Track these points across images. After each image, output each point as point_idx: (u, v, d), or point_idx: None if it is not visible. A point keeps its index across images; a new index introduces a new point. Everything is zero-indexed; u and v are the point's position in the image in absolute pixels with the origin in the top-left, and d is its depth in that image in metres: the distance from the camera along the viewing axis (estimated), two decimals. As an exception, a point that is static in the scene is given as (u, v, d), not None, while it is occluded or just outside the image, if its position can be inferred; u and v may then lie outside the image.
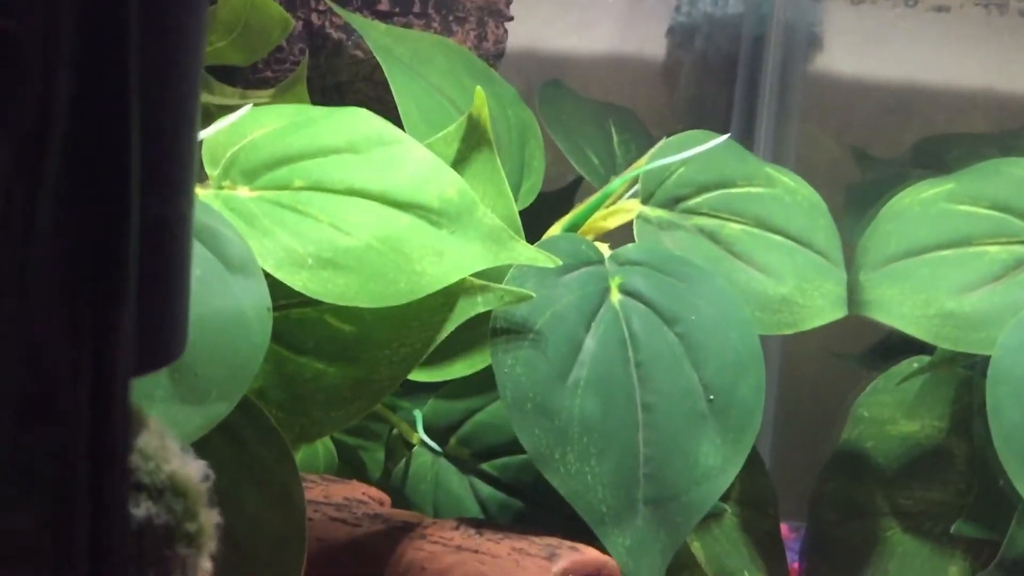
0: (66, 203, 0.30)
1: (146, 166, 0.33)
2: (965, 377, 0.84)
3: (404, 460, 0.80)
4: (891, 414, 0.86)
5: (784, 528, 0.89)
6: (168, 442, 0.40)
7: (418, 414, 0.80)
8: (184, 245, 0.37)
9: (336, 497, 0.75)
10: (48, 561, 0.30)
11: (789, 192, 0.84)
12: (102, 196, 0.31)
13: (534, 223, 0.81)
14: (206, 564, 0.40)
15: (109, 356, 0.31)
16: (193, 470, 0.41)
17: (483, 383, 0.76)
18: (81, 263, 0.30)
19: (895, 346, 0.91)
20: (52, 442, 0.30)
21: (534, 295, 0.69)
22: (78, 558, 0.30)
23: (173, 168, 0.35)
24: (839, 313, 0.81)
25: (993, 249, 0.79)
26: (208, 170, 0.66)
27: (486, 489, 0.78)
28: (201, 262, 0.57)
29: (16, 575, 0.30)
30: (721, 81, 1.15)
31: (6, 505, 0.32)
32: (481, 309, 0.68)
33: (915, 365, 0.85)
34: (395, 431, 0.83)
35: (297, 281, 0.63)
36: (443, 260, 0.66)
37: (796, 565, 0.91)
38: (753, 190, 0.83)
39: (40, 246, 0.30)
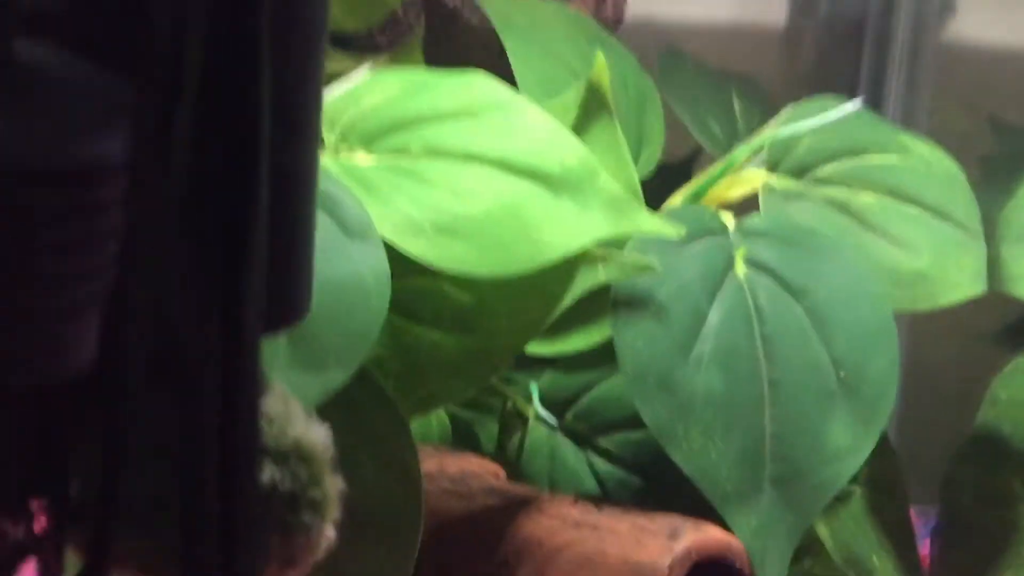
0: (198, 157, 0.29)
1: (275, 119, 0.31)
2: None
3: (519, 434, 0.79)
4: (1030, 396, 0.82)
5: (912, 512, 0.86)
6: (292, 406, 0.39)
7: (534, 387, 0.78)
8: (310, 202, 0.36)
9: (451, 469, 0.74)
10: (180, 522, 0.29)
11: (925, 162, 0.80)
12: (234, 150, 0.30)
13: (652, 196, 0.79)
14: (330, 532, 0.39)
15: (240, 313, 0.30)
16: (318, 435, 0.39)
17: (601, 356, 0.75)
18: (213, 218, 0.29)
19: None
20: (184, 402, 0.29)
21: (658, 267, 0.67)
22: (209, 520, 0.29)
23: (301, 121, 0.34)
24: (978, 288, 0.77)
25: None
26: (325, 135, 0.65)
27: (603, 465, 0.77)
28: (319, 227, 0.56)
29: (149, 534, 0.29)
30: (847, 48, 1.10)
31: (139, 466, 0.31)
32: (602, 279, 0.66)
33: (1057, 345, 0.80)
34: (510, 404, 0.81)
35: (415, 248, 0.61)
36: (563, 229, 0.64)
37: (924, 551, 0.87)
38: (886, 159, 0.80)
39: (173, 201, 0.29)
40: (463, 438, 0.83)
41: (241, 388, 0.31)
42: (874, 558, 0.76)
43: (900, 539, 0.78)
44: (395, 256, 0.62)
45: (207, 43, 0.29)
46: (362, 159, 0.65)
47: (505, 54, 0.79)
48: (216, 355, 0.31)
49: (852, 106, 0.79)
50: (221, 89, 0.29)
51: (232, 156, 0.30)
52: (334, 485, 0.40)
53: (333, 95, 0.66)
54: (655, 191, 0.81)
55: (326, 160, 0.64)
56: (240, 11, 0.29)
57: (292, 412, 0.39)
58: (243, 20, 0.29)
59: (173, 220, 0.30)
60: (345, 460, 0.63)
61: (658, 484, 0.74)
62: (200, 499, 0.29)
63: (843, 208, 0.78)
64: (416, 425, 0.80)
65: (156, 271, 0.30)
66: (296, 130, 0.34)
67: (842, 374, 0.70)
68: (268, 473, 0.37)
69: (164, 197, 0.29)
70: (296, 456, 0.38)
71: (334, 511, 0.39)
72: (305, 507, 0.38)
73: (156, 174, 0.29)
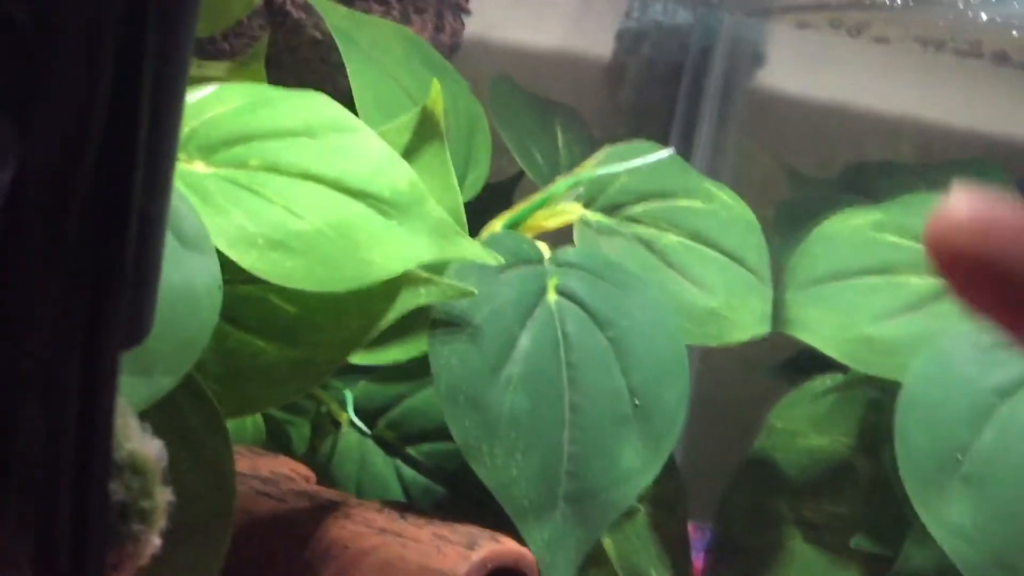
0: (82, 197, 0.31)
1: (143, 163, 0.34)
2: (875, 399, 0.88)
3: (331, 438, 0.82)
4: (802, 427, 0.90)
5: (690, 527, 0.93)
6: (130, 420, 0.42)
7: (348, 394, 0.81)
8: (162, 234, 0.39)
9: (263, 471, 0.76)
10: (34, 533, 0.31)
11: (726, 208, 0.87)
12: (113, 192, 0.33)
13: (475, 213, 0.82)
14: (156, 540, 0.42)
15: (104, 335, 0.33)
16: (151, 449, 0.42)
17: (415, 369, 0.78)
18: (86, 250, 0.32)
19: (811, 361, 0.94)
20: (44, 416, 0.31)
21: (476, 292, 0.71)
22: (62, 531, 0.31)
23: (162, 165, 0.37)
24: (764, 329, 0.84)
25: (914, 280, 0.83)
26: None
27: (410, 473, 0.80)
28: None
29: (2, 545, 0.31)
30: (665, 88, 1.17)
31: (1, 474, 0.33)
32: (424, 302, 0.70)
33: (828, 383, 0.88)
34: (324, 409, 0.84)
35: (246, 260, 0.64)
36: (390, 250, 0.68)
37: (698, 564, 0.94)
38: (692, 204, 0.86)
39: (54, 233, 0.31)
40: (276, 439, 0.85)
41: (100, 408, 0.34)
42: (652, 571, 0.82)
43: (677, 554, 0.85)
44: (225, 262, 0.63)
45: (96, 94, 0.31)
46: (201, 169, 0.66)
47: (344, 68, 0.82)
48: (78, 375, 0.34)
49: (665, 152, 0.85)
50: (107, 140, 0.32)
51: (110, 199, 0.33)
52: (163, 496, 0.42)
53: (175, 103, 0.67)
54: (478, 208, 0.85)
55: (164, 167, 0.65)
56: (126, 72, 0.32)
57: (129, 426, 0.42)
58: (129, 80, 0.32)
59: (47, 250, 0.32)
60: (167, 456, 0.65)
61: (461, 495, 0.78)
62: (55, 512, 0.31)
63: (650, 246, 0.84)
64: (231, 425, 0.82)
65: (28, 293, 0.32)
66: (158, 169, 0.37)
67: (637, 402, 0.75)
68: (103, 484, 0.39)
69: (41, 229, 0.32)
70: (129, 468, 0.41)
71: (161, 521, 0.42)
72: (134, 517, 0.40)
73: (36, 213, 0.31)
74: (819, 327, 0.82)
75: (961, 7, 0.86)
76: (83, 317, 0.33)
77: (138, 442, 0.41)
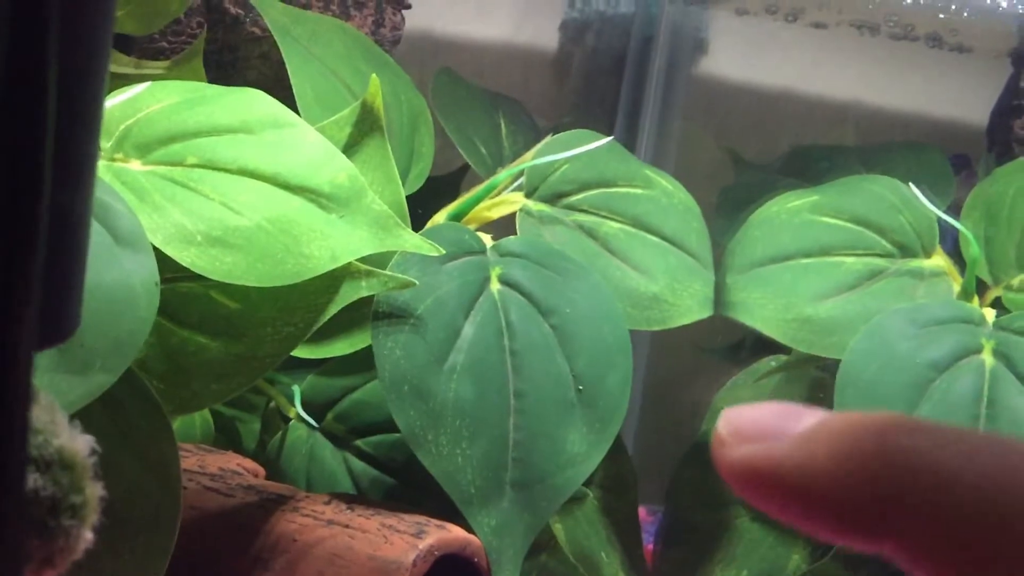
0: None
1: (55, 155, 0.34)
2: (818, 378, 0.89)
3: (280, 433, 0.82)
4: (748, 409, 0.91)
5: (642, 511, 0.94)
6: (57, 416, 0.42)
7: (296, 389, 0.82)
8: (85, 230, 0.39)
9: (211, 467, 0.76)
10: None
11: (666, 194, 0.88)
12: (14, 184, 0.33)
13: (421, 206, 0.83)
14: (88, 535, 0.42)
15: (13, 333, 0.33)
16: (81, 444, 0.42)
17: (362, 362, 0.79)
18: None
19: (757, 343, 0.96)
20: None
21: (417, 283, 0.71)
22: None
23: (80, 158, 0.37)
24: (706, 313, 0.85)
25: (850, 260, 0.84)
26: (101, 142, 0.67)
27: (359, 465, 0.81)
28: (91, 234, 0.58)
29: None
30: (609, 77, 1.18)
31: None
32: (365, 293, 0.70)
33: (772, 364, 0.90)
34: (272, 404, 0.84)
35: (185, 257, 0.64)
36: (330, 244, 0.68)
37: (651, 547, 0.95)
38: (632, 191, 0.87)
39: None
40: (225, 435, 0.86)
41: (11, 408, 0.34)
42: (602, 554, 0.83)
43: (627, 537, 0.86)
44: (164, 260, 0.64)
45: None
46: (137, 167, 0.67)
47: (284, 64, 0.82)
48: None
49: (604, 140, 0.85)
50: (2, 126, 0.32)
51: (12, 191, 0.33)
52: (94, 491, 0.43)
53: (112, 103, 0.68)
54: (425, 202, 0.86)
55: (101, 166, 0.65)
56: (27, 59, 0.32)
57: (57, 422, 0.42)
58: (30, 66, 0.32)
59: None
60: (106, 457, 0.65)
61: (409, 484, 0.79)
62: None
63: (591, 233, 0.85)
64: (180, 422, 0.82)
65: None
66: (76, 162, 0.37)
67: (580, 387, 0.76)
68: (31, 480, 0.39)
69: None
70: (58, 464, 0.41)
71: (93, 515, 0.42)
72: (65, 512, 0.41)
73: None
74: (760, 309, 0.83)
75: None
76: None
77: (67, 438, 0.41)
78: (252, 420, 0.86)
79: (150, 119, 0.68)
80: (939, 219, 0.85)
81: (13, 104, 0.33)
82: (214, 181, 0.67)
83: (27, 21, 0.32)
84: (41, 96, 0.33)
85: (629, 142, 1.15)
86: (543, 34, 1.19)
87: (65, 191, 0.37)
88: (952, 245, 0.88)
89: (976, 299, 0.84)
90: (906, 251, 0.85)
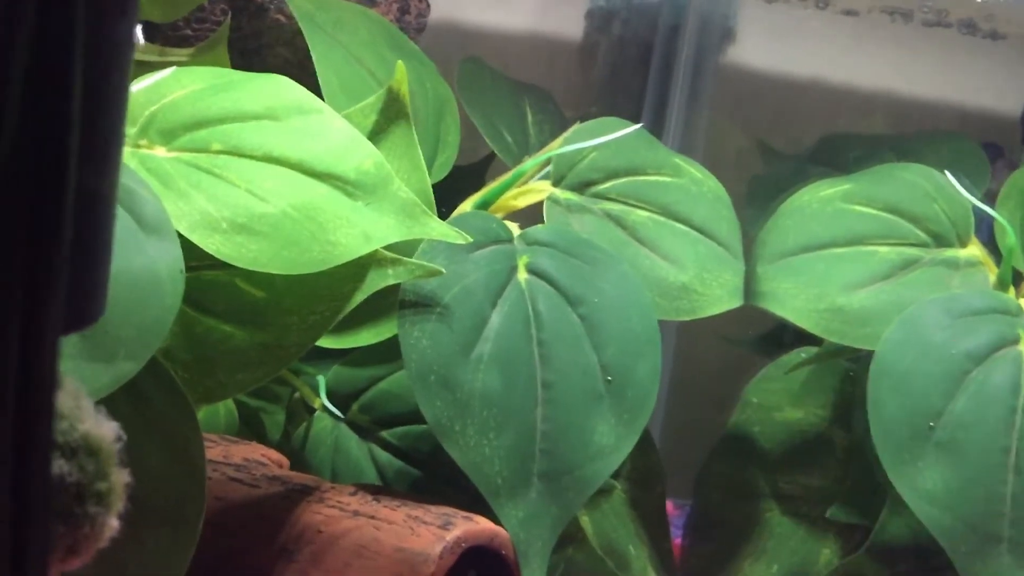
0: (6, 174, 0.31)
1: (81, 140, 0.34)
2: (849, 369, 0.88)
3: (305, 424, 0.81)
4: (778, 401, 0.90)
5: (670, 505, 0.93)
6: (83, 402, 0.41)
7: (321, 379, 0.81)
8: (111, 215, 0.38)
9: (236, 458, 0.76)
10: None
11: (695, 183, 0.87)
12: (40, 168, 0.32)
13: (446, 195, 0.82)
14: (113, 522, 0.41)
15: (39, 317, 0.32)
16: (106, 431, 0.42)
17: (387, 352, 0.78)
18: (19, 230, 0.31)
19: (786, 335, 0.95)
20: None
21: (443, 271, 0.70)
22: (1, 514, 0.31)
23: (105, 143, 0.36)
24: (735, 303, 0.84)
25: (883, 249, 0.83)
26: (126, 128, 0.66)
27: (384, 456, 0.80)
28: (116, 220, 0.57)
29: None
30: (636, 66, 1.17)
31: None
32: (391, 281, 0.70)
33: (803, 355, 0.89)
34: (297, 395, 0.84)
35: (211, 244, 0.63)
36: (356, 231, 0.67)
37: (679, 540, 0.94)
38: (661, 179, 0.86)
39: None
40: (250, 426, 0.85)
41: (38, 392, 0.33)
42: (630, 548, 0.82)
43: (655, 530, 0.85)
44: (189, 248, 0.63)
45: (22, 64, 0.31)
46: (162, 153, 0.66)
47: (309, 51, 0.81)
48: (16, 356, 0.33)
49: (633, 128, 0.84)
50: (31, 112, 0.31)
51: (39, 173, 0.33)
52: (120, 478, 0.42)
53: (136, 89, 0.67)
54: (450, 191, 0.85)
55: (125, 154, 0.65)
56: (53, 44, 0.31)
57: (82, 408, 0.41)
58: (56, 52, 0.32)
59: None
60: (131, 446, 0.65)
61: (435, 476, 0.78)
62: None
63: (619, 222, 0.84)
64: (204, 412, 0.81)
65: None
66: (102, 147, 0.36)
67: (609, 378, 0.75)
68: (56, 467, 0.39)
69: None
70: (84, 450, 0.40)
71: (119, 503, 0.41)
72: (91, 499, 0.40)
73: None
74: (790, 299, 0.82)
75: (921, -27, 0.86)
76: (18, 300, 0.32)
77: (92, 424, 0.41)
78: (277, 411, 0.86)
79: (175, 105, 0.67)
80: (974, 208, 0.83)
81: (39, 90, 0.32)
82: (239, 168, 0.66)
83: (53, 8, 0.31)
84: (67, 82, 0.32)
85: (656, 131, 1.13)
86: (569, 23, 1.18)
87: (91, 176, 0.36)
88: (987, 234, 0.86)
89: (1012, 289, 0.82)
90: (941, 240, 0.83)
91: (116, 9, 0.34)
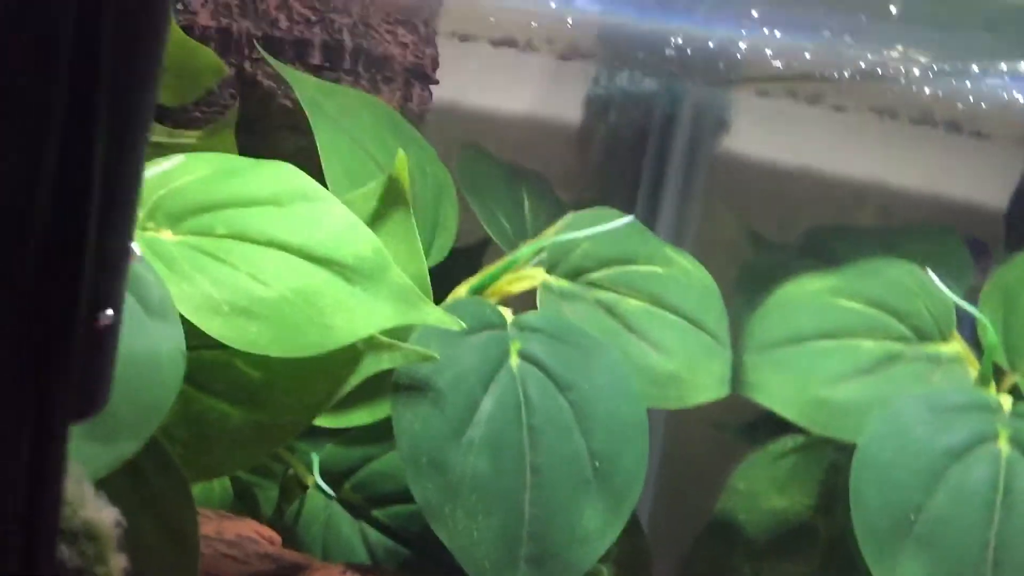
0: (28, 267, 0.33)
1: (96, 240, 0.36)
2: (834, 460, 0.89)
3: (298, 501, 0.83)
4: (764, 489, 0.91)
5: (656, 589, 0.93)
6: (84, 488, 0.43)
7: (315, 457, 0.82)
8: (121, 310, 0.40)
9: (229, 534, 0.77)
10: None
11: (685, 274, 0.89)
12: (61, 266, 0.34)
13: (443, 276, 0.84)
14: (111, 605, 0.43)
15: (52, 405, 0.34)
16: (106, 516, 0.43)
17: (381, 432, 0.79)
18: (39, 326, 0.33)
19: (773, 423, 0.96)
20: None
21: (438, 357, 0.72)
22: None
23: (117, 235, 0.38)
24: (723, 392, 0.85)
25: (868, 344, 0.85)
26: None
27: (375, 535, 0.81)
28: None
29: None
30: (631, 153, 1.20)
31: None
32: (386, 366, 0.71)
33: (789, 444, 0.90)
34: (291, 471, 0.85)
35: (212, 327, 0.65)
36: (353, 316, 0.69)
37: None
38: (652, 269, 0.88)
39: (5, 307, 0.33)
40: (244, 500, 0.86)
41: (48, 479, 0.35)
42: (615, 632, 0.83)
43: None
44: (190, 327, 0.65)
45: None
46: (168, 236, 0.68)
47: (313, 136, 0.84)
48: (28, 445, 0.35)
49: (625, 219, 0.87)
50: (55, 210, 0.33)
51: (59, 271, 0.35)
52: (118, 563, 0.43)
53: (147, 174, 0.69)
54: (447, 273, 0.87)
55: (132, 236, 0.67)
56: (80, 130, 0.33)
57: (84, 493, 0.43)
58: (82, 144, 0.34)
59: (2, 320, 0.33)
60: (127, 521, 0.66)
61: (424, 556, 0.79)
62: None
63: (611, 311, 0.86)
64: (198, 488, 0.82)
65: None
66: (114, 262, 0.38)
67: (597, 464, 0.76)
68: (58, 551, 0.40)
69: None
70: (84, 536, 0.42)
71: (117, 586, 0.43)
72: (90, 583, 0.42)
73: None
74: (777, 390, 0.83)
75: (904, 83, 0.89)
76: (31, 388, 0.34)
77: (93, 510, 0.42)
78: (270, 486, 0.87)
79: (182, 189, 0.69)
80: (956, 304, 0.86)
81: (58, 203, 0.34)
82: (243, 252, 0.68)
83: (78, 104, 0.33)
84: (90, 187, 0.34)
85: (650, 217, 1.16)
86: (567, 109, 1.21)
87: (103, 280, 0.38)
88: (970, 330, 0.88)
89: (993, 385, 0.84)
90: (923, 336, 0.85)
91: (137, 96, 0.36)
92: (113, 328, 0.39)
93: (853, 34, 0.77)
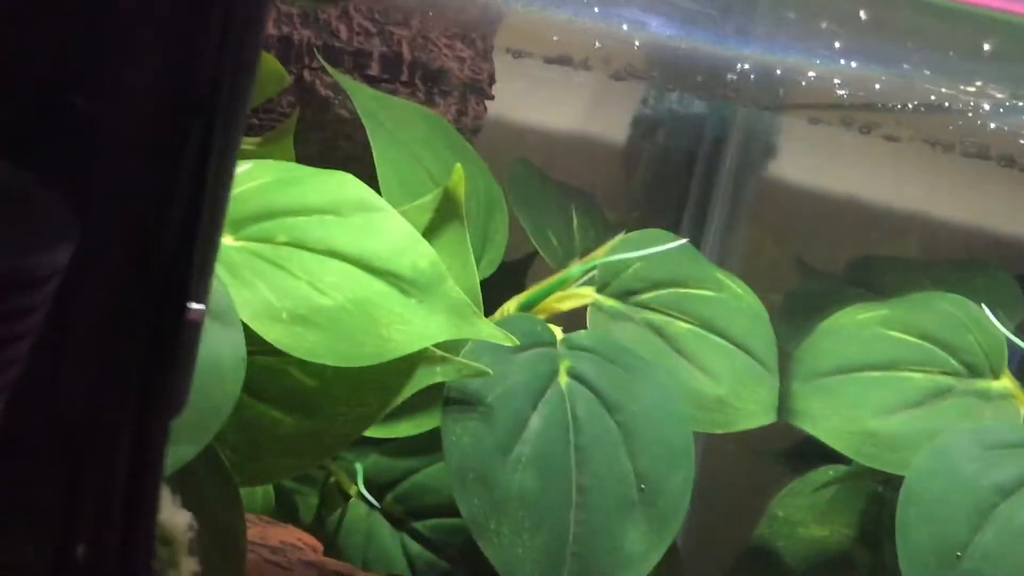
0: (137, 274, 0.33)
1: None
2: (876, 491, 0.89)
3: (340, 510, 0.83)
4: (804, 517, 0.91)
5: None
6: (161, 491, 0.43)
7: (359, 467, 0.82)
8: (203, 323, 0.41)
9: (272, 540, 0.77)
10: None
11: (735, 298, 0.89)
12: (175, 262, 0.35)
13: (489, 290, 0.84)
14: (179, 609, 0.43)
15: (158, 405, 0.35)
16: (180, 520, 0.43)
17: (426, 445, 0.79)
18: (147, 338, 0.34)
19: (814, 450, 0.96)
20: (98, 478, 0.33)
21: (491, 372, 0.72)
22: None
23: (207, 270, 0.39)
24: (769, 419, 0.85)
25: (917, 376, 0.84)
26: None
27: (416, 547, 0.81)
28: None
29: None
30: (678, 175, 1.20)
31: (26, 534, 0.35)
32: (439, 379, 0.71)
33: (831, 473, 0.90)
34: (333, 479, 0.85)
35: (271, 334, 0.65)
36: (409, 328, 0.69)
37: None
38: (703, 292, 0.88)
39: (108, 306, 0.33)
40: (284, 507, 0.86)
41: (151, 469, 0.35)
42: (653, 655, 0.83)
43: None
44: (247, 333, 0.65)
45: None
46: (229, 242, 0.68)
47: (368, 146, 0.84)
48: (131, 439, 0.35)
49: (678, 242, 0.87)
50: (164, 231, 0.34)
51: (159, 303, 0.35)
52: (189, 566, 0.44)
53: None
54: (493, 287, 0.87)
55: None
56: (203, 142, 0.34)
57: (161, 497, 0.43)
58: (201, 153, 0.34)
59: (107, 322, 0.34)
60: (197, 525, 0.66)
61: (465, 570, 0.79)
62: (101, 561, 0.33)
63: (660, 332, 0.85)
64: (242, 493, 0.83)
65: (90, 363, 0.34)
66: (205, 274, 0.39)
67: (643, 486, 0.76)
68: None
69: (102, 304, 0.34)
70: (160, 539, 0.42)
71: (186, 590, 0.43)
72: (162, 586, 0.42)
73: (97, 288, 0.33)
74: (824, 419, 0.83)
75: (970, 115, 0.89)
76: (137, 388, 0.35)
77: (168, 513, 0.42)
78: (311, 493, 0.87)
79: (244, 196, 0.70)
80: (1008, 341, 0.85)
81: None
82: (302, 260, 0.69)
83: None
84: (197, 216, 0.35)
85: (696, 240, 1.16)
86: (615, 128, 1.21)
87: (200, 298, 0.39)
88: (1020, 367, 0.88)
89: (1042, 424, 0.83)
90: (974, 371, 0.85)
91: (240, 95, 0.37)
92: (200, 323, 0.40)
93: (933, 68, 0.77)
